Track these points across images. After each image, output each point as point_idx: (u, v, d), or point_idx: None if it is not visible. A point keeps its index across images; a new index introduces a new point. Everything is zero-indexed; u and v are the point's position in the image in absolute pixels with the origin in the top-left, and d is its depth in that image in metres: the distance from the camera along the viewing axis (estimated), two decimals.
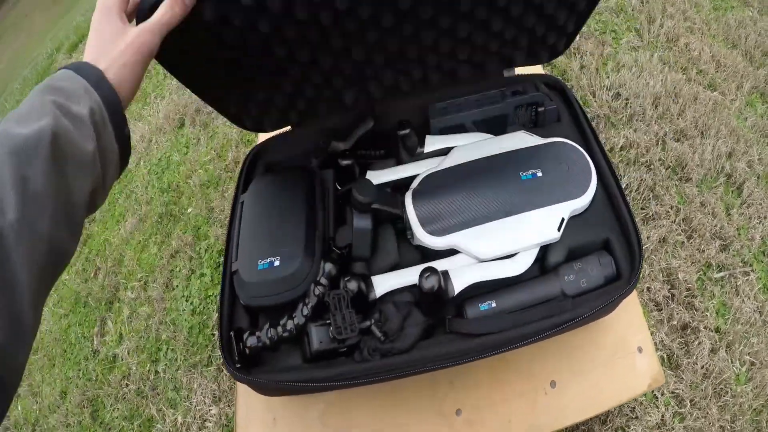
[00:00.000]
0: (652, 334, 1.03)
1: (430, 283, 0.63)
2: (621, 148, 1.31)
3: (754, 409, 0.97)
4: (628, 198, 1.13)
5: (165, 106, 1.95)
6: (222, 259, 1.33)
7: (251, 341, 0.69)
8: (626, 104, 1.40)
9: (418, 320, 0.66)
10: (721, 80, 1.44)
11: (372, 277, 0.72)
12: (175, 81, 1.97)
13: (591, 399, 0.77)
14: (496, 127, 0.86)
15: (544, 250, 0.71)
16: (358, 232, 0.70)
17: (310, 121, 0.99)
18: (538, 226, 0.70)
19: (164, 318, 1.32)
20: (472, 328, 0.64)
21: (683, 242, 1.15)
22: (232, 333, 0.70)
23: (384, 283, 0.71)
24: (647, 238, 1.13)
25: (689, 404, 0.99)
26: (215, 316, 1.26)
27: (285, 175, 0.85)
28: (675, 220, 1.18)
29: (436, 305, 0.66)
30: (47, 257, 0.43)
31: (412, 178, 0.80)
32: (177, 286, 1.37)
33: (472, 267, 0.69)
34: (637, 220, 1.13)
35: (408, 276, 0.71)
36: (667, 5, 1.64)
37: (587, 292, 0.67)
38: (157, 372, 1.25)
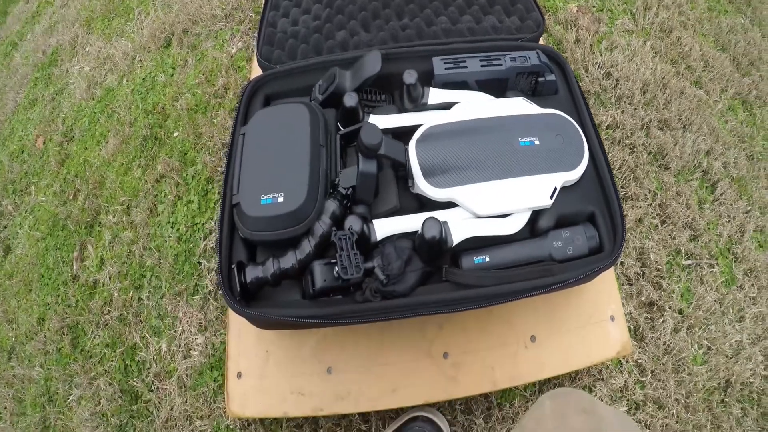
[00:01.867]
0: (622, 305, 1.13)
1: (432, 231, 0.69)
2: (608, 126, 1.40)
3: (707, 389, 1.10)
4: None
5: (150, 23, 1.90)
6: (211, 187, 1.38)
7: (253, 274, 0.75)
8: (616, 85, 1.48)
9: (418, 266, 0.73)
10: (707, 80, 1.52)
11: (373, 221, 0.77)
12: None
13: (566, 357, 0.87)
14: (497, 89, 0.92)
15: (536, 214, 0.79)
16: (363, 176, 0.75)
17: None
18: (532, 192, 0.77)
19: (148, 244, 1.36)
20: (467, 279, 0.71)
21: (657, 226, 1.26)
22: (233, 266, 0.75)
23: (384, 228, 0.77)
24: (625, 215, 1.23)
25: (650, 374, 1.11)
26: (202, 244, 1.31)
27: (288, 109, 0.88)
28: (651, 204, 1.28)
29: (434, 253, 0.72)
30: None
31: (414, 127, 0.85)
32: (162, 211, 1.40)
33: (469, 221, 0.76)
34: None
35: (408, 222, 0.77)
36: None
37: (572, 259, 0.77)
38: (140, 299, 1.30)
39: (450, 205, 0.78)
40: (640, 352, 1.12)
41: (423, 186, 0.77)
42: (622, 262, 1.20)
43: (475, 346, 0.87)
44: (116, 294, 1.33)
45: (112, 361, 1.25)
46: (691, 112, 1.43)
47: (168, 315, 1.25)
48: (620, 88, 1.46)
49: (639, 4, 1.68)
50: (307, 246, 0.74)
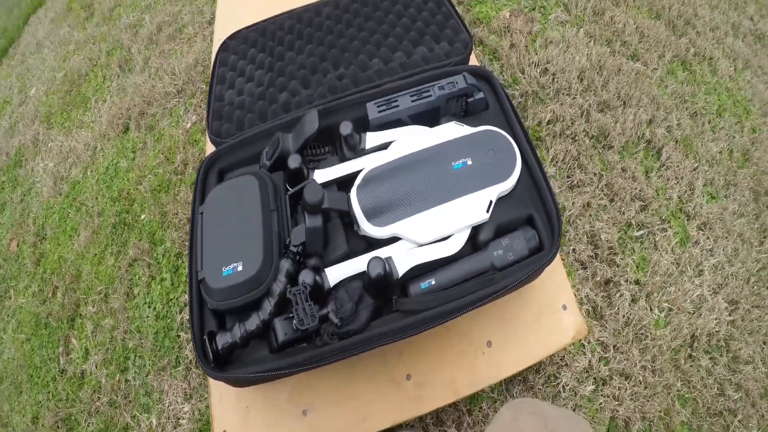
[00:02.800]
0: (577, 290, 1.21)
1: (376, 270, 0.76)
2: (548, 122, 1.47)
3: (673, 349, 1.15)
4: (553, 169, 1.31)
5: (107, 110, 2.01)
6: (180, 262, 1.46)
7: (223, 341, 0.82)
8: (553, 79, 1.55)
9: (368, 303, 0.80)
10: (644, 51, 1.61)
11: (326, 269, 0.85)
12: (115, 83, 2.06)
13: (523, 353, 0.94)
14: (431, 118, 1.00)
15: (476, 229, 0.86)
16: (310, 232, 0.83)
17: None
18: (469, 210, 0.85)
19: (129, 327, 1.42)
20: (414, 305, 0.78)
21: (605, 206, 1.32)
22: (205, 337, 0.82)
23: (336, 273, 0.84)
24: (572, 204, 1.29)
25: (613, 349, 1.16)
26: (179, 317, 1.37)
27: (238, 183, 0.96)
28: (598, 186, 1.35)
29: (383, 288, 0.80)
30: None
31: (356, 173, 0.93)
32: (138, 294, 1.46)
33: (413, 251, 0.83)
34: (563, 188, 1.31)
35: (357, 265, 0.85)
36: None
37: (514, 263, 0.83)
38: (127, 380, 1.35)
39: (395, 239, 0.86)
40: (600, 331, 1.18)
41: (367, 228, 0.85)
42: (574, 249, 1.27)
43: (435, 364, 0.94)
44: (104, 380, 1.38)
45: None
46: (630, 86, 1.50)
47: (155, 390, 1.31)
48: (557, 82, 1.54)
49: None
50: (268, 306, 0.81)
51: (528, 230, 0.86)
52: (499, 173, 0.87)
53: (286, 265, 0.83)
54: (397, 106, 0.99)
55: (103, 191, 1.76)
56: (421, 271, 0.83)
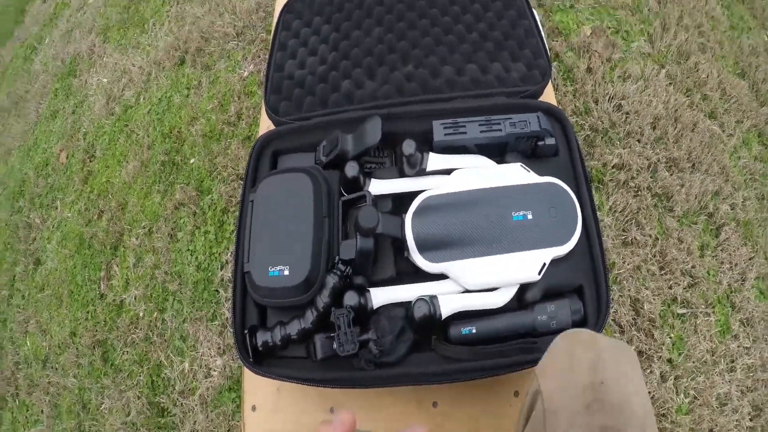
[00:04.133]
0: None
1: (421, 312, 0.78)
2: (614, 167, 1.38)
3: None
4: (610, 219, 1.25)
5: (164, 36, 1.95)
6: (226, 218, 1.47)
7: (263, 339, 0.84)
8: (626, 119, 1.44)
9: (408, 336, 0.81)
10: (722, 111, 1.47)
11: (371, 290, 0.85)
12: (174, 9, 1.99)
13: None
14: (497, 151, 0.96)
15: (524, 286, 0.85)
16: (361, 253, 0.83)
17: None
18: (521, 267, 0.83)
19: (170, 269, 1.45)
20: (452, 353, 0.79)
21: (654, 273, 1.26)
22: (246, 332, 0.85)
23: (381, 296, 0.85)
24: (623, 262, 1.24)
25: None
26: (219, 273, 1.39)
27: (293, 179, 0.95)
28: (651, 250, 1.28)
29: (424, 327, 0.81)
30: None
31: (413, 193, 0.91)
32: (181, 239, 1.48)
33: (459, 295, 0.83)
34: (616, 242, 1.26)
35: (402, 293, 0.85)
36: (684, 15, 1.64)
37: (556, 332, 0.81)
38: (164, 320, 1.40)
39: (443, 276, 0.85)
40: None
41: (417, 259, 0.85)
42: (615, 310, 1.23)
43: (463, 399, 0.95)
44: (142, 314, 1.43)
45: (140, 376, 1.37)
46: (702, 149, 1.40)
47: (189, 337, 1.36)
48: (630, 123, 1.44)
49: (657, 24, 1.62)
50: (310, 316, 0.83)
51: (575, 301, 0.84)
52: (558, 236, 0.85)
53: (332, 281, 0.84)
54: (465, 132, 0.95)
55: (155, 123, 1.75)
56: (463, 314, 0.83)
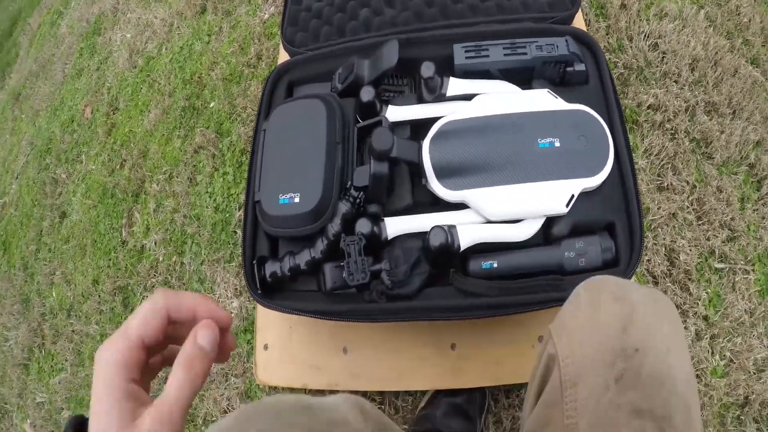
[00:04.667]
0: None
1: (438, 240, 0.70)
2: (649, 107, 1.26)
3: (723, 404, 1.03)
4: (645, 162, 1.14)
5: None
6: (244, 158, 1.41)
7: (271, 270, 0.78)
8: (662, 59, 1.31)
9: (424, 269, 0.74)
10: (765, 58, 1.32)
11: (385, 219, 0.78)
12: None
13: None
14: (522, 77, 0.87)
15: (550, 220, 0.76)
16: (375, 178, 0.75)
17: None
18: (547, 198, 0.74)
19: (189, 212, 1.42)
20: (472, 287, 0.72)
21: (692, 222, 1.15)
22: (254, 262, 0.79)
23: (396, 226, 0.78)
24: (658, 208, 1.13)
25: None
26: (237, 214, 1.35)
27: (305, 105, 0.88)
28: (689, 198, 1.17)
29: (441, 258, 0.73)
30: None
31: (433, 119, 0.83)
32: (200, 181, 1.45)
33: (480, 226, 0.75)
34: (651, 186, 1.15)
35: (419, 222, 0.78)
36: None
37: (584, 271, 0.74)
38: (182, 263, 1.37)
39: (462, 205, 0.78)
40: None
41: (435, 187, 0.77)
42: (648, 260, 1.12)
43: (483, 342, 0.88)
44: (161, 259, 1.40)
45: None
46: (744, 95, 1.26)
47: (207, 279, 1.32)
48: (667, 63, 1.30)
49: None
50: (320, 245, 0.76)
51: (606, 239, 0.75)
52: (588, 166, 0.75)
53: (344, 208, 0.77)
54: (488, 56, 0.86)
55: (176, 71, 1.69)
56: (484, 247, 0.75)
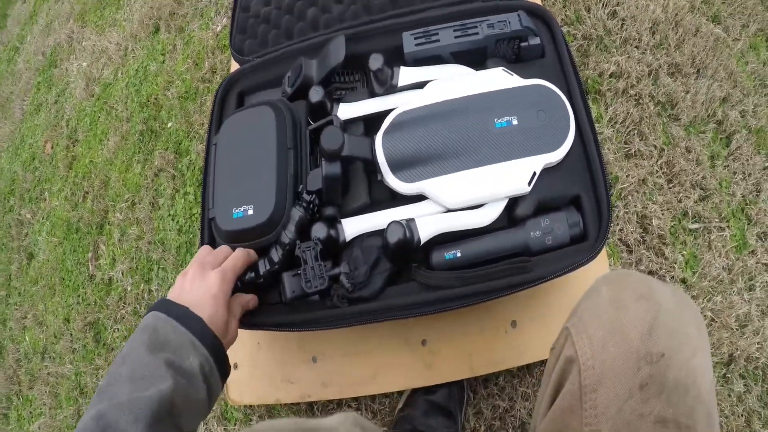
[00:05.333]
0: None
1: (395, 236, 0.67)
2: (611, 75, 1.24)
3: None
4: (610, 131, 1.12)
5: (138, 8, 1.87)
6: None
7: None
8: (622, 26, 1.29)
9: (385, 267, 0.71)
10: (726, 14, 1.31)
11: (342, 221, 0.75)
12: None
13: (549, 340, 0.82)
14: (476, 58, 0.84)
15: (513, 200, 0.73)
16: (327, 180, 0.72)
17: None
18: (508, 179, 0.71)
19: (153, 238, 1.38)
20: (434, 280, 0.69)
21: (662, 186, 1.13)
22: None
23: (354, 226, 0.75)
24: (626, 176, 1.12)
25: None
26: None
27: (254, 114, 0.85)
28: (657, 162, 1.15)
29: (401, 254, 0.70)
30: None
31: (386, 113, 0.80)
32: (162, 205, 1.41)
33: (439, 216, 0.72)
34: (618, 155, 1.13)
35: (377, 220, 0.74)
36: None
37: (552, 249, 0.71)
38: (150, 291, 1.33)
39: (422, 197, 0.74)
40: None
41: (391, 181, 0.74)
42: (621, 229, 1.11)
43: (453, 333, 0.86)
44: (129, 289, 1.36)
45: None
46: (707, 53, 1.25)
47: None
48: (626, 30, 1.28)
49: None
50: (275, 256, 0.73)
51: (573, 214, 0.72)
52: (548, 141, 0.72)
53: (297, 214, 0.74)
54: (438, 40, 0.83)
55: (132, 95, 1.66)
56: (446, 237, 0.72)
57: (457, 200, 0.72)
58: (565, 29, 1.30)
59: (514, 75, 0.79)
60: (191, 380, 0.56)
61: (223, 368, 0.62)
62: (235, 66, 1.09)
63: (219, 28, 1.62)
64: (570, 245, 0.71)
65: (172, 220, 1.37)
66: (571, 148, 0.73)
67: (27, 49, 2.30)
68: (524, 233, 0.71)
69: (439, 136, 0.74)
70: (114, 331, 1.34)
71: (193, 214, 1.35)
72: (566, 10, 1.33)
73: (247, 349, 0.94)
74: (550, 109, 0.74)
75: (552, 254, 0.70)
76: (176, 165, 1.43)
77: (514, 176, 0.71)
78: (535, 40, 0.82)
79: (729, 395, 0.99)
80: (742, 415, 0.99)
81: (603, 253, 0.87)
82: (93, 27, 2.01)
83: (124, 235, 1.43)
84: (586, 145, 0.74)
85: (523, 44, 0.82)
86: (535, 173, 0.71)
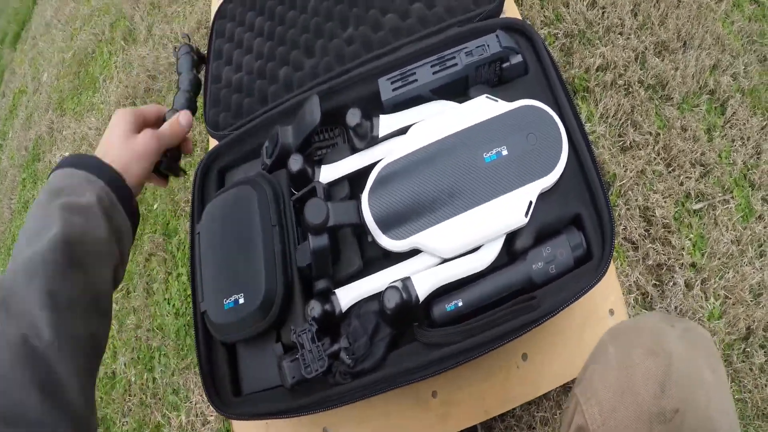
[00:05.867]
0: (626, 275, 1.04)
1: (392, 302, 0.64)
2: (597, 69, 1.23)
3: (726, 344, 0.99)
4: (603, 127, 1.10)
5: (114, 89, 1.90)
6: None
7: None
8: (603, 14, 1.29)
9: (385, 333, 0.68)
10: None
11: (336, 291, 0.72)
12: (121, 57, 1.92)
13: (562, 368, 0.80)
14: (457, 89, 0.81)
15: (511, 234, 0.70)
16: (316, 255, 0.70)
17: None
18: (504, 214, 0.68)
19: (151, 325, 1.36)
20: (437, 338, 0.65)
21: (662, 173, 1.12)
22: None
23: (349, 295, 0.72)
24: (625, 171, 1.10)
25: None
26: None
27: (235, 194, 0.83)
28: (654, 148, 1.14)
29: (401, 317, 0.67)
30: (87, 351, 0.49)
31: (370, 166, 0.78)
32: (157, 290, 1.40)
33: (436, 269, 0.69)
34: (614, 150, 1.11)
35: (372, 284, 0.72)
36: None
37: (557, 278, 0.67)
38: (154, 379, 1.31)
39: (417, 251, 0.71)
40: None
41: (382, 241, 0.71)
42: (624, 227, 1.09)
43: (463, 379, 0.82)
44: (133, 380, 1.34)
45: None
46: (691, 23, 1.24)
47: (181, 388, 1.27)
48: (608, 18, 1.28)
49: None
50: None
51: (574, 235, 0.69)
52: (542, 164, 0.69)
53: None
54: (416, 80, 0.80)
55: None
56: (446, 287, 0.69)
57: (453, 249, 0.69)
58: (545, 31, 1.30)
59: (499, 101, 0.76)
60: (88, 216, 0.54)
61: (129, 206, 0.62)
62: (213, 143, 1.08)
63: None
64: (576, 268, 0.68)
65: (168, 303, 1.35)
66: (565, 165, 0.70)
67: (10, 145, 2.33)
68: (526, 267, 0.68)
69: (427, 184, 0.72)
70: (123, 425, 1.31)
71: (188, 296, 1.34)
72: (545, 11, 1.33)
73: (255, 428, 0.90)
74: (540, 129, 0.72)
75: (558, 282, 0.67)
76: (166, 247, 1.42)
77: (510, 210, 0.68)
78: (517, 59, 0.79)
79: (751, 369, 0.97)
80: (765, 387, 0.96)
81: (612, 268, 0.84)
82: (72, 114, 2.04)
83: (122, 325, 1.42)
84: (581, 156, 0.71)
85: (505, 65, 0.79)
86: (531, 202, 0.68)
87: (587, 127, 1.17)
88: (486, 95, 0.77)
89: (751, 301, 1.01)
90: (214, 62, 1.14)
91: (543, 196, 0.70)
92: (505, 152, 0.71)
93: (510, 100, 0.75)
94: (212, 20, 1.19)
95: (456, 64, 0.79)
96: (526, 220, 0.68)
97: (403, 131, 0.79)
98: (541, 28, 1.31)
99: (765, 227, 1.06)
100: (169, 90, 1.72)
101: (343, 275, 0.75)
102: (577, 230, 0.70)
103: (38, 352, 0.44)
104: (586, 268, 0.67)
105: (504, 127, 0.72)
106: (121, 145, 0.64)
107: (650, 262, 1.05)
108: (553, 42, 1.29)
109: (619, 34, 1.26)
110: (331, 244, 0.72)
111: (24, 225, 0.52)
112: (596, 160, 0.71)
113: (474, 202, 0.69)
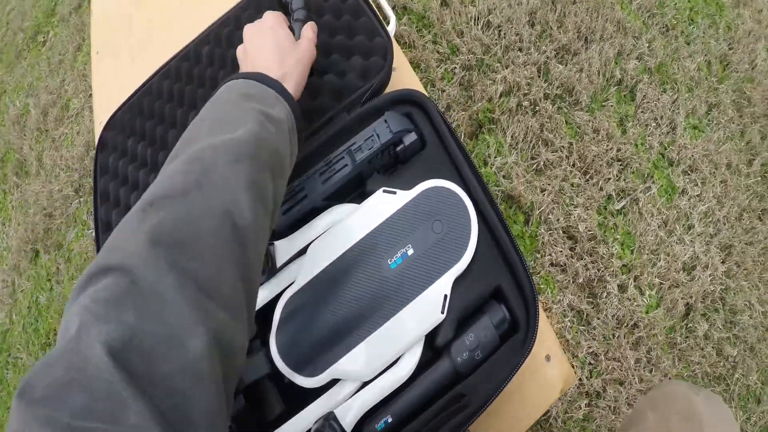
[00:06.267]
0: (558, 302, 1.03)
1: None
2: (501, 95, 1.21)
3: (669, 328, 1.00)
4: (514, 155, 1.08)
5: (14, 233, 1.78)
6: None
7: None
8: (499, 33, 1.26)
9: None
10: None
11: None
12: (16, 195, 1.81)
13: (509, 426, 0.75)
14: (354, 187, 0.78)
15: (431, 333, 0.67)
16: (236, 420, 0.66)
17: None
18: (419, 318, 0.65)
19: None
20: None
21: (580, 184, 1.11)
22: None
23: None
24: (543, 193, 1.09)
25: (604, 358, 1.00)
26: None
27: None
28: (569, 161, 1.13)
29: None
30: (264, 245, 0.49)
31: (276, 298, 0.73)
32: None
33: (359, 395, 0.65)
34: (528, 175, 1.09)
35: (298, 425, 0.67)
36: None
37: (485, 360, 0.65)
38: None
39: (336, 381, 0.67)
40: (589, 340, 1.01)
41: (298, 381, 0.67)
42: (550, 254, 1.07)
43: None
44: None
45: None
46: (590, 16, 1.23)
47: None
48: (505, 36, 1.25)
49: None
50: None
51: (496, 311, 0.66)
52: (452, 251, 0.66)
53: None
54: (305, 196, 0.75)
55: (32, 338, 1.55)
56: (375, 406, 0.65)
57: (372, 370, 0.65)
58: (442, 69, 1.27)
59: (397, 192, 0.72)
60: (279, 129, 0.53)
61: (301, 132, 0.62)
62: None
63: (94, 233, 1.55)
64: (502, 344, 0.65)
65: None
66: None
67: None
68: (450, 362, 0.64)
69: (333, 312, 0.68)
70: None
71: None
72: (438, 47, 1.30)
73: None
74: (445, 212, 0.69)
75: (487, 365, 0.64)
76: None
77: (424, 312, 0.65)
78: (411, 138, 0.75)
79: (696, 343, 0.99)
80: (712, 352, 0.99)
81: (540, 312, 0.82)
82: None
83: None
84: (493, 229, 0.68)
85: (399, 148, 0.75)
86: (446, 296, 0.65)
87: (498, 160, 1.15)
88: (383, 189, 0.73)
89: (686, 279, 1.02)
90: (101, 178, 1.04)
91: (458, 281, 0.67)
92: (410, 251, 0.68)
93: (411, 182, 0.72)
94: (95, 159, 1.08)
95: (346, 165, 0.74)
96: (444, 315, 0.65)
97: (303, 251, 0.74)
98: (437, 67, 1.28)
99: (689, 199, 1.07)
100: (68, 226, 1.63)
101: (268, 421, 0.70)
102: (499, 303, 0.67)
103: (239, 229, 0.43)
104: (514, 341, 0.65)
105: (406, 221, 0.69)
106: (290, 53, 0.64)
107: (581, 280, 1.04)
108: (451, 79, 1.26)
109: (518, 50, 1.25)
110: (249, 403, 0.67)
111: (202, 112, 0.51)
112: (509, 229, 0.68)
113: (386, 316, 0.66)
